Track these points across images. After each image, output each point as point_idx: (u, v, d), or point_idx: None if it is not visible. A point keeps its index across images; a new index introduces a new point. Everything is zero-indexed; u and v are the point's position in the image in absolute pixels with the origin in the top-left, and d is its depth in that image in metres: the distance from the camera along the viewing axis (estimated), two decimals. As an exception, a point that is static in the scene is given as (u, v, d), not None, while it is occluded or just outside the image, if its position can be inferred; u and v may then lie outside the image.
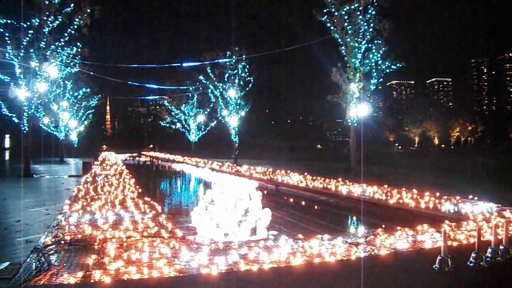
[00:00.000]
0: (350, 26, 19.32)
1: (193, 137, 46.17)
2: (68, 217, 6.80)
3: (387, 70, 19.97)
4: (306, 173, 15.34)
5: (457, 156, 47.27)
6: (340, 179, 13.11)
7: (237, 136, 34.40)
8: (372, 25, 19.19)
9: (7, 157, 43.56)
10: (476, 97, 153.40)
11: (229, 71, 33.92)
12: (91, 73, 30.66)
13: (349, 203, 10.38)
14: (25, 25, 18.22)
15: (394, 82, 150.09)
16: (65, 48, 20.86)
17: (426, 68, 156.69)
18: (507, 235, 4.67)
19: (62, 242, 5.18)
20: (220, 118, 37.20)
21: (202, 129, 45.98)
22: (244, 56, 32.88)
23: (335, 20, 19.48)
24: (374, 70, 19.83)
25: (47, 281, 3.78)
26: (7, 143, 65.98)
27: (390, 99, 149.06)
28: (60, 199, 10.90)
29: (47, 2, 18.77)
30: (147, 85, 38.54)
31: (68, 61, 22.89)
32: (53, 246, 4.99)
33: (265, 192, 11.53)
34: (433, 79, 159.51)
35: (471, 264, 4.34)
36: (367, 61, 19.59)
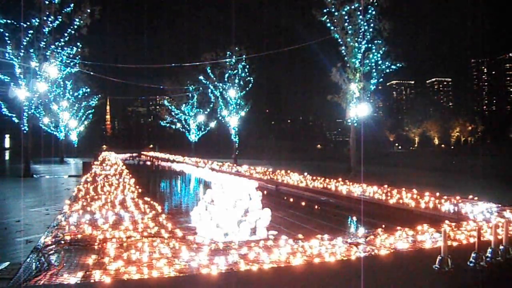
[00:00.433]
0: (350, 26, 19.33)
1: (193, 137, 46.19)
2: (68, 217, 6.80)
3: (387, 70, 19.97)
4: (306, 173, 15.34)
5: (457, 156, 47.28)
6: (340, 179, 13.11)
7: (237, 136, 34.41)
8: (372, 25, 19.20)
9: (7, 157, 43.56)
10: (476, 97, 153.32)
11: (229, 71, 33.93)
12: (91, 73, 30.70)
13: (349, 203, 10.38)
14: (25, 25, 18.23)
15: (394, 82, 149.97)
16: (65, 48, 20.88)
17: (426, 68, 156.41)
18: (507, 235, 4.67)
19: (62, 242, 5.18)
20: (220, 118, 37.22)
21: (202, 129, 46.00)
22: (244, 56, 32.90)
23: (335, 20, 19.48)
24: (374, 70, 19.83)
25: (47, 281, 3.77)
26: (7, 143, 66.01)
27: (390, 99, 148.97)
28: (60, 199, 10.90)
29: (47, 2, 18.79)
30: (147, 85, 38.58)
31: (68, 61, 22.92)
32: (53, 246, 4.98)
33: (265, 192, 11.53)
34: (433, 79, 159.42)
35: (471, 264, 4.34)
36: (367, 61, 19.59)
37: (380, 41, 19.36)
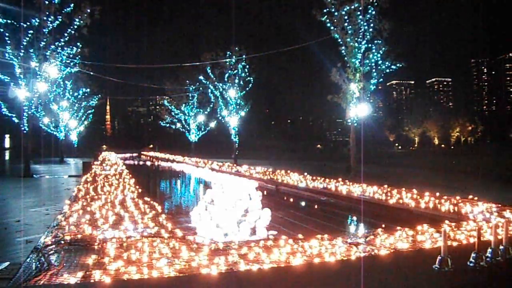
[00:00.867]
0: (350, 26, 19.32)
1: (193, 137, 46.19)
2: (68, 217, 6.80)
3: (387, 70, 19.96)
4: (306, 173, 15.34)
5: (457, 156, 47.28)
6: (340, 179, 13.11)
7: (237, 136, 34.41)
8: (372, 25, 19.19)
9: (7, 157, 43.55)
10: (476, 97, 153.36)
11: (229, 71, 33.93)
12: (91, 73, 30.70)
13: (349, 203, 10.38)
14: (25, 25, 18.23)
15: (394, 82, 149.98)
16: (65, 48, 20.88)
17: (426, 68, 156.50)
18: (507, 235, 4.67)
19: (62, 242, 5.18)
20: (220, 118, 37.21)
21: (202, 129, 45.99)
22: (244, 56, 32.90)
23: (335, 20, 19.47)
24: (374, 70, 19.82)
25: (47, 281, 3.78)
26: (7, 143, 65.98)
27: (390, 99, 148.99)
28: (60, 199, 10.90)
29: (47, 2, 18.79)
30: (147, 85, 38.56)
31: (68, 61, 22.91)
32: (53, 246, 4.98)
33: (265, 192, 11.54)
34: (433, 79, 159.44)
35: (471, 264, 4.34)
36: (367, 61, 19.58)
37: (380, 41, 19.35)
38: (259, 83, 45.85)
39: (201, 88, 40.84)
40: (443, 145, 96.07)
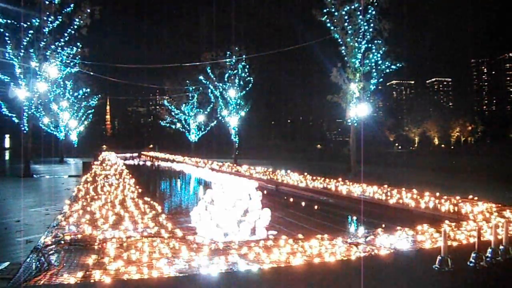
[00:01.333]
0: (350, 26, 19.32)
1: (193, 137, 46.18)
2: (68, 217, 6.80)
3: (387, 70, 19.96)
4: (306, 173, 15.34)
5: (457, 156, 47.27)
6: (340, 179, 13.11)
7: (237, 136, 34.41)
8: (372, 25, 19.19)
9: (7, 157, 43.55)
10: (476, 97, 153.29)
11: (229, 71, 33.93)
12: (91, 73, 30.69)
13: (349, 203, 10.38)
14: (25, 25, 18.23)
15: (394, 82, 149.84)
16: (65, 48, 20.88)
17: (426, 68, 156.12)
18: (507, 235, 4.67)
19: (62, 242, 5.18)
20: (220, 118, 37.22)
21: (202, 129, 45.99)
22: (244, 56, 32.90)
23: (335, 20, 19.48)
24: (374, 70, 19.82)
25: (47, 281, 3.78)
26: (7, 143, 65.97)
27: (390, 99, 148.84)
28: (60, 199, 10.90)
29: (47, 2, 18.79)
30: (147, 85, 38.55)
31: (68, 61, 22.91)
32: (53, 246, 4.99)
33: (265, 192, 11.53)
34: (433, 79, 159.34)
35: (471, 264, 4.34)
36: (367, 61, 19.58)
37: (380, 41, 19.35)
38: (259, 83, 45.84)
39: (201, 88, 40.84)
40: (443, 145, 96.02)
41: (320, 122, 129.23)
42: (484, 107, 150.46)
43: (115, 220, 6.63)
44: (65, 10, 19.35)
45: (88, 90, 39.58)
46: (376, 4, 18.99)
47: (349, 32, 19.39)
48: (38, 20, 18.65)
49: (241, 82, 33.82)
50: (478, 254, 4.38)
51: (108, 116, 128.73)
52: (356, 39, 19.40)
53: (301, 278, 4.15)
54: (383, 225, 7.13)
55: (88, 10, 19.73)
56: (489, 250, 4.53)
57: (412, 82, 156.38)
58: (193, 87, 42.45)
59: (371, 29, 19.20)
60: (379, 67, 19.79)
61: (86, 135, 54.52)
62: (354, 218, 9.32)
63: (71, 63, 23.91)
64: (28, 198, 11.39)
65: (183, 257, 4.59)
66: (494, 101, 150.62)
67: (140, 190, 10.61)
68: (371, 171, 20.75)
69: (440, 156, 50.23)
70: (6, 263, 4.99)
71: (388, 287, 3.97)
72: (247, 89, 33.99)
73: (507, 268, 4.41)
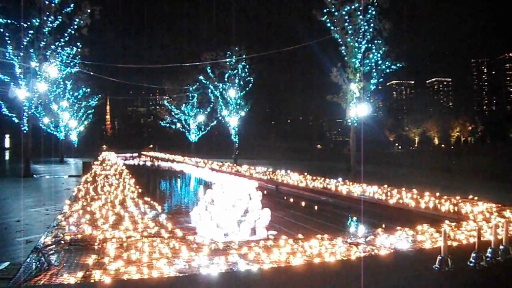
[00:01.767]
0: (350, 26, 19.31)
1: (193, 137, 46.18)
2: (68, 217, 6.80)
3: (387, 70, 19.95)
4: (306, 173, 15.34)
5: (457, 156, 47.27)
6: (340, 179, 13.11)
7: (237, 136, 34.40)
8: (372, 25, 19.17)
9: (7, 157, 43.55)
10: (476, 97, 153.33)
11: (229, 71, 33.92)
12: (91, 73, 30.67)
13: (349, 203, 10.38)
14: (25, 25, 18.21)
15: (394, 82, 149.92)
16: (65, 48, 20.85)
17: (426, 68, 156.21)
18: (507, 235, 4.67)
19: (62, 242, 5.18)
20: (220, 118, 37.20)
21: (202, 129, 45.98)
22: (244, 56, 32.87)
23: (335, 20, 19.46)
24: (374, 70, 19.80)
25: (47, 281, 3.78)
26: (7, 143, 65.97)
27: (390, 99, 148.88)
28: (60, 199, 10.90)
29: (47, 2, 18.77)
30: (147, 85, 38.52)
31: (68, 61, 22.88)
32: (53, 246, 4.99)
33: (265, 192, 11.53)
34: (433, 79, 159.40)
35: (471, 264, 4.34)
36: (367, 61, 19.57)
37: (380, 41, 19.33)
38: (259, 83, 45.82)
39: (201, 88, 40.82)
40: (443, 145, 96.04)
41: (320, 122, 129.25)
42: (484, 107, 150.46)
43: (115, 220, 6.63)
44: (65, 10, 19.32)
45: (88, 90, 39.54)
46: (376, 4, 18.98)
47: (349, 32, 19.38)
48: (38, 20, 18.63)
49: (241, 82, 33.80)
50: (478, 254, 4.38)
51: (108, 116, 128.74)
52: (356, 39, 19.39)
53: (301, 278, 4.15)
54: (383, 225, 7.13)
55: (88, 10, 19.71)
56: (489, 250, 4.53)
57: (412, 82, 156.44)
58: (193, 87, 42.44)
59: (371, 29, 19.19)
60: (379, 67, 19.78)
61: (86, 135, 54.48)
62: (354, 218, 9.32)
63: (71, 63, 23.88)
64: (28, 198, 11.39)
65: (183, 257, 4.59)
66: (494, 101, 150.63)
67: (140, 190, 10.61)
68: (371, 171, 20.74)
69: (440, 156, 50.22)
70: (6, 263, 4.99)
71: (388, 287, 3.97)
72: (247, 89, 33.98)
73: (507, 268, 4.41)
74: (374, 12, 19.03)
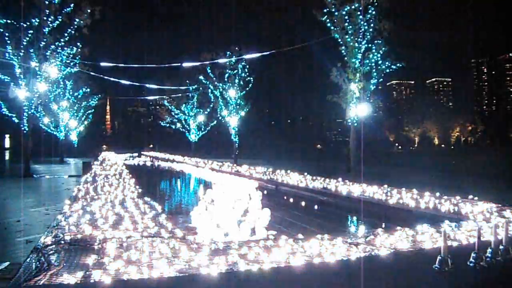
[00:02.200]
0: (350, 26, 19.31)
1: (193, 137, 46.18)
2: (68, 217, 6.80)
3: (387, 70, 19.95)
4: (306, 173, 15.33)
5: (457, 156, 47.26)
6: (340, 179, 13.10)
7: (237, 136, 34.39)
8: (372, 25, 19.18)
9: (7, 157, 43.54)
10: (476, 97, 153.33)
11: (229, 71, 33.91)
12: (91, 73, 30.66)
13: (349, 203, 10.38)
14: (25, 25, 18.20)
15: (394, 82, 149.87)
16: (65, 48, 20.86)
17: (426, 68, 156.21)
18: (507, 235, 4.67)
19: (62, 242, 5.18)
20: (220, 118, 37.17)
21: (202, 129, 45.97)
22: (244, 56, 32.85)
23: (335, 20, 19.47)
24: (374, 70, 19.80)
25: (47, 281, 3.78)
26: (7, 143, 65.93)
27: (390, 99, 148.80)
28: (60, 199, 10.89)
29: (47, 2, 18.76)
30: (147, 85, 38.44)
31: (68, 61, 22.88)
32: (53, 246, 4.99)
33: (265, 192, 11.53)
34: (433, 79, 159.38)
35: (471, 264, 4.34)
36: (367, 61, 19.57)
37: (380, 41, 19.34)
38: (259, 83, 45.82)
39: (201, 88, 40.81)
40: (443, 145, 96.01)
41: (320, 122, 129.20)
42: (484, 107, 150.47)
43: (115, 220, 6.63)
44: (65, 10, 19.32)
45: (88, 90, 39.54)
46: (376, 4, 18.98)
47: (349, 32, 19.38)
48: (38, 20, 18.62)
49: (241, 82, 33.79)
50: (478, 254, 4.38)
51: (108, 116, 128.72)
52: (356, 39, 19.40)
53: (301, 278, 4.15)
54: (383, 225, 7.13)
55: (88, 10, 19.71)
56: (489, 250, 4.53)
57: (412, 82, 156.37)
58: (193, 87, 42.43)
59: (371, 29, 19.20)
60: (379, 67, 19.78)
61: (86, 135, 54.42)
62: (354, 218, 9.32)
63: (71, 63, 23.88)
64: (28, 198, 11.38)
65: (183, 257, 4.59)
66: (494, 101, 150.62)
67: (140, 190, 10.61)
68: (371, 171, 20.73)
69: (440, 156, 50.19)
70: (6, 263, 4.98)
71: (388, 287, 3.97)
72: (247, 89, 33.97)
73: (507, 268, 4.41)
74: (374, 12, 19.03)
